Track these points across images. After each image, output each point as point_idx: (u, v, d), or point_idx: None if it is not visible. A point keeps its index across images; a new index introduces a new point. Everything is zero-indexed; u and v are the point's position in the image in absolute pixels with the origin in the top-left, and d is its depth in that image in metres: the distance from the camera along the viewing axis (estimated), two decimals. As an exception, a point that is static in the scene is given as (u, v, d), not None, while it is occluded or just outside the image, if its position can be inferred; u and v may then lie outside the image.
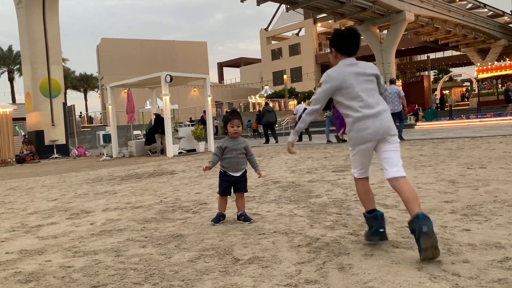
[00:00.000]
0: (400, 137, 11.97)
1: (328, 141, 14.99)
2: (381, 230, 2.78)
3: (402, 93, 12.48)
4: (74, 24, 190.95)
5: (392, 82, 13.09)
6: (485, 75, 35.38)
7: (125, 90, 24.56)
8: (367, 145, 2.69)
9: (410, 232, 2.50)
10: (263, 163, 9.32)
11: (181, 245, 3.18)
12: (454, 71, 51.44)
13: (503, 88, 30.28)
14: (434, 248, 2.36)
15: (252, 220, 3.76)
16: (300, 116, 2.99)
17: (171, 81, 14.71)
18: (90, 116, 36.95)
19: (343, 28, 2.94)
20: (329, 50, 2.92)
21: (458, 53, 54.49)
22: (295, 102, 45.11)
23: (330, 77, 2.76)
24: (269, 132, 18.61)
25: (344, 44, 2.78)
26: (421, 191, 4.65)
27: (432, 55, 53.34)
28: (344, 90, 2.71)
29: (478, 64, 40.66)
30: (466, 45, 49.19)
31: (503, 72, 34.61)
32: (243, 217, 3.80)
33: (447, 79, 44.16)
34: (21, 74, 30.82)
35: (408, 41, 49.66)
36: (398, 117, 12.45)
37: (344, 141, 13.66)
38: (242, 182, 3.85)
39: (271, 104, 25.39)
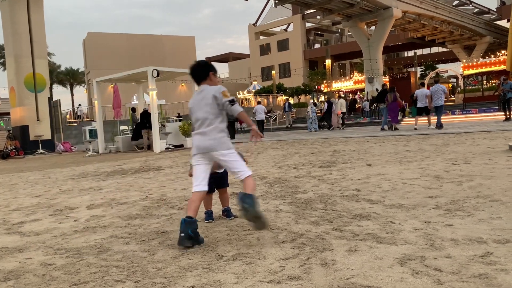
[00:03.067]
0: (440, 125, 14.56)
1: (382, 129, 16.31)
2: (182, 234, 2.96)
3: (446, 90, 14.79)
4: (60, 18, 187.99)
5: (437, 81, 15.25)
6: (471, 71, 35.79)
7: (112, 85, 24.29)
8: (195, 156, 3.22)
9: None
10: (250, 159, 9.31)
11: (165, 242, 3.15)
12: (441, 67, 51.87)
13: (492, 84, 30.67)
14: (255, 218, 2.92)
15: (233, 217, 3.75)
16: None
17: (158, 76, 14.58)
18: (76, 112, 36.48)
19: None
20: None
21: (444, 49, 54.97)
22: (283, 97, 45.17)
23: (189, 104, 3.38)
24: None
25: (192, 77, 3.32)
26: (405, 186, 4.68)
27: (419, 52, 53.71)
28: (192, 114, 3.31)
29: (464, 60, 41.09)
30: (453, 41, 49.63)
31: (488, 69, 35.07)
32: (225, 213, 3.79)
33: (433, 75, 44.55)
34: (5, 68, 30.31)
35: (395, 37, 49.95)
36: (439, 109, 14.67)
37: (396, 129, 15.77)
38: (224, 177, 3.84)
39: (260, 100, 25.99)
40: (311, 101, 31.66)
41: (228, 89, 3.31)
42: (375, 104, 31.31)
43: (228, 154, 3.13)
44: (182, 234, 2.94)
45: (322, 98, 48.63)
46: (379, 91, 19.85)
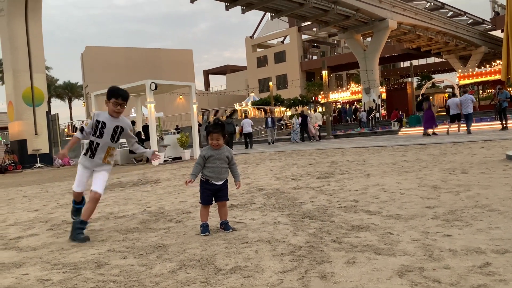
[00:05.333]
0: (469, 132, 16.18)
1: (425, 134, 17.48)
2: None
3: (474, 100, 16.45)
4: (58, 32, 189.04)
5: (465, 92, 17.28)
6: (467, 81, 36.03)
7: (110, 98, 24.32)
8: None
9: None
10: (248, 170, 9.30)
11: (163, 256, 3.13)
12: (437, 77, 52.21)
13: (488, 94, 30.84)
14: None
15: (231, 230, 3.71)
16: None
17: (156, 88, 14.64)
18: (74, 125, 36.48)
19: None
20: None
21: (440, 60, 55.42)
22: (281, 108, 45.27)
23: None
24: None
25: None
26: (403, 197, 4.67)
27: (415, 62, 54.11)
28: None
29: (460, 70, 41.39)
30: (448, 52, 50.06)
31: (484, 79, 35.30)
32: (223, 226, 3.76)
33: (429, 85, 44.80)
34: (3, 83, 30.38)
35: (391, 48, 50.36)
36: (468, 116, 16.19)
37: (428, 135, 17.04)
38: (223, 190, 3.80)
39: (254, 112, 25.59)
40: (295, 115, 31.84)
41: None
42: (372, 115, 31.48)
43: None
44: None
45: (320, 109, 48.82)
46: (418, 100, 21.20)
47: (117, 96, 3.87)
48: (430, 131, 17.30)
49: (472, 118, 16.66)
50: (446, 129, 17.22)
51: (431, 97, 18.98)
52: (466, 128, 16.42)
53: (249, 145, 21.47)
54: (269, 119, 24.06)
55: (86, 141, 4.06)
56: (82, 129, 3.94)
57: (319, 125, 23.08)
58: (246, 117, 23.98)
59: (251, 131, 22.26)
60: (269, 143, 22.62)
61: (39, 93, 20.67)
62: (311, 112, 24.39)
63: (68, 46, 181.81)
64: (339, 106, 46.38)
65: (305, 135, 23.00)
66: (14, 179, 13.50)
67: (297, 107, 48.05)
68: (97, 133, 3.91)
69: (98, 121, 3.91)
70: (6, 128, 23.71)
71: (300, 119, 23.01)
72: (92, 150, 3.95)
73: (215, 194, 3.74)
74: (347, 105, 41.57)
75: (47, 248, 3.66)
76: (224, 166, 3.76)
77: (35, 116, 20.39)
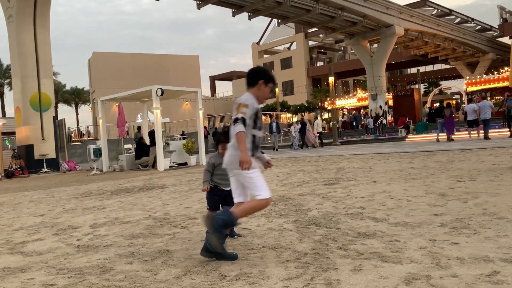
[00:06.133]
0: (487, 137, 16.40)
1: (437, 140, 18.18)
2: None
3: (493, 106, 17.18)
4: (66, 38, 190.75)
5: (484, 98, 18.15)
6: (474, 88, 35.86)
7: (116, 104, 24.49)
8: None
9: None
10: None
11: (168, 261, 3.13)
12: (444, 84, 52.02)
13: (496, 100, 30.66)
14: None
15: (236, 236, 3.72)
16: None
17: (162, 94, 14.71)
18: (81, 130, 36.71)
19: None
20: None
21: (447, 66, 55.21)
22: (287, 115, 45.28)
23: None
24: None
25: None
26: (410, 204, 4.64)
27: (422, 69, 53.98)
28: None
29: (467, 77, 41.21)
30: (455, 58, 49.87)
31: (492, 85, 35.12)
32: (229, 232, 3.76)
33: (437, 92, 44.64)
34: (11, 88, 30.65)
35: (398, 54, 50.27)
36: (486, 122, 16.70)
37: (452, 140, 17.49)
38: (231, 196, 3.82)
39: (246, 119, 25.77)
40: (295, 120, 31.76)
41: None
42: (379, 121, 31.38)
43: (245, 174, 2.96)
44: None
45: (326, 115, 48.76)
46: (438, 106, 22.01)
47: (274, 82, 3.20)
48: (441, 136, 17.88)
49: (489, 124, 17.21)
50: (468, 134, 18.12)
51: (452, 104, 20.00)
52: (483, 133, 16.89)
53: None
54: (274, 124, 23.01)
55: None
56: (244, 120, 2.90)
57: (318, 133, 23.09)
58: (294, 115, 24.15)
59: None
60: (274, 150, 22.41)
61: (46, 99, 20.84)
62: (318, 118, 24.29)
63: (76, 52, 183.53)
64: (345, 112, 46.35)
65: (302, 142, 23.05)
66: (20, 184, 13.59)
67: (303, 114, 48.03)
68: (258, 125, 3.06)
69: (257, 109, 3.05)
70: (14, 133, 23.90)
71: (299, 125, 23.04)
72: (254, 148, 3.05)
73: (223, 199, 3.77)
74: (358, 112, 41.62)
75: (52, 253, 3.68)
76: None
77: (42, 121, 20.55)
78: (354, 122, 39.57)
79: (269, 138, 28.58)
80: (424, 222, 3.76)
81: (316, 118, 26.35)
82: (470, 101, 19.49)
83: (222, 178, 3.74)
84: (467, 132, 18.66)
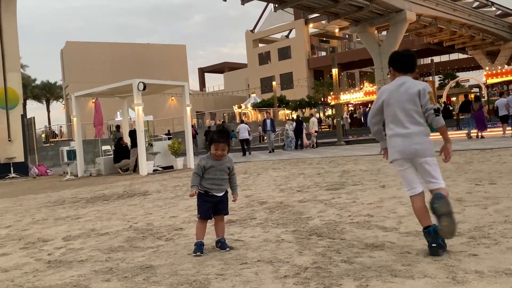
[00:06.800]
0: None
1: (469, 137, 18.01)
2: (433, 245, 3.11)
3: None
4: (36, 26, 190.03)
5: (505, 92, 18.86)
6: (495, 80, 36.00)
7: (93, 100, 24.42)
8: (398, 161, 3.30)
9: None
10: (248, 181, 9.30)
11: (150, 278, 3.12)
12: (461, 76, 52.28)
13: None
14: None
15: (228, 249, 3.71)
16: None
17: (144, 89, 14.67)
18: (53, 130, 36.57)
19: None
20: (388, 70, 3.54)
21: (464, 56, 55.53)
22: (286, 111, 45.30)
23: (380, 92, 3.44)
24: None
25: (398, 63, 3.41)
26: (424, 211, 4.65)
27: (437, 59, 54.24)
28: (386, 107, 3.35)
29: (487, 68, 41.43)
30: (473, 47, 50.20)
31: (514, 77, 35.28)
32: (219, 244, 3.75)
33: (453, 84, 44.87)
34: (-27, 83, 30.48)
35: (409, 43, 50.49)
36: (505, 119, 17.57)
37: (482, 137, 17.52)
38: (224, 202, 3.85)
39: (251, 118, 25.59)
40: (289, 118, 31.60)
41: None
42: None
43: (432, 161, 3.27)
44: (434, 245, 3.10)
45: (330, 111, 48.86)
46: (462, 101, 22.36)
47: None
48: (473, 133, 17.90)
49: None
50: (502, 131, 18.26)
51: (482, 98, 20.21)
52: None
53: (247, 152, 21.71)
54: (268, 121, 22.63)
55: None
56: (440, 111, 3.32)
57: (315, 131, 23.26)
58: (242, 121, 24.35)
59: (248, 137, 22.57)
60: (270, 152, 22.29)
61: (13, 94, 20.72)
62: (318, 115, 24.41)
63: (47, 42, 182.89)
64: (351, 108, 46.45)
65: (298, 143, 22.93)
66: (-16, 191, 13.51)
67: (303, 110, 48.08)
68: None
69: None
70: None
71: (294, 124, 23.05)
72: None
73: (215, 206, 3.77)
74: (367, 108, 41.70)
75: (19, 270, 3.66)
76: (225, 178, 3.82)
77: (9, 120, 20.42)
78: (362, 119, 39.69)
79: (265, 138, 28.68)
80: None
81: (312, 115, 26.27)
82: (501, 94, 20.20)
83: (214, 183, 3.74)
84: (501, 129, 18.79)
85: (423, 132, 3.24)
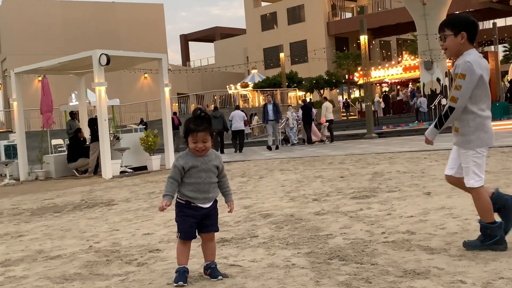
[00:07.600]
0: None
1: None
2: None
3: None
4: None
5: None
6: None
7: (39, 78, 24.42)
8: (486, 148, 3.97)
9: None
10: (247, 187, 9.31)
11: (117, 316, 3.14)
12: (534, 45, 52.14)
13: None
14: None
15: (220, 277, 3.70)
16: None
17: (108, 63, 14.66)
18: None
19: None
20: (451, 33, 3.79)
21: (539, 18, 55.36)
22: (297, 93, 45.11)
23: (481, 66, 3.72)
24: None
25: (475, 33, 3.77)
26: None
27: (501, 22, 54.09)
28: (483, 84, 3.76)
29: None
30: (551, 6, 49.96)
31: None
32: (209, 271, 3.73)
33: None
34: None
35: (464, 1, 50.36)
36: None
37: None
38: (212, 216, 3.78)
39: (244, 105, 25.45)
40: (291, 105, 31.35)
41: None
42: (436, 102, 31.41)
43: None
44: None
45: (357, 93, 48.76)
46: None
47: None
48: None
49: None
50: None
51: None
52: None
53: (237, 147, 21.82)
54: (270, 107, 21.79)
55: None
56: None
57: (327, 121, 23.07)
58: (237, 107, 24.23)
59: (243, 128, 22.80)
60: (270, 148, 21.13)
61: None
62: (343, 98, 24.33)
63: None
64: (384, 89, 46.36)
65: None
66: None
67: (321, 91, 47.94)
68: None
69: None
70: None
71: (300, 112, 22.92)
72: None
73: (200, 222, 3.72)
74: (414, 87, 41.48)
75: None
76: (213, 181, 3.73)
77: None
78: (408, 103, 39.31)
79: (265, 128, 28.38)
80: (503, 253, 3.78)
81: (326, 99, 26.06)
82: None
83: (199, 189, 3.67)
84: None
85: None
